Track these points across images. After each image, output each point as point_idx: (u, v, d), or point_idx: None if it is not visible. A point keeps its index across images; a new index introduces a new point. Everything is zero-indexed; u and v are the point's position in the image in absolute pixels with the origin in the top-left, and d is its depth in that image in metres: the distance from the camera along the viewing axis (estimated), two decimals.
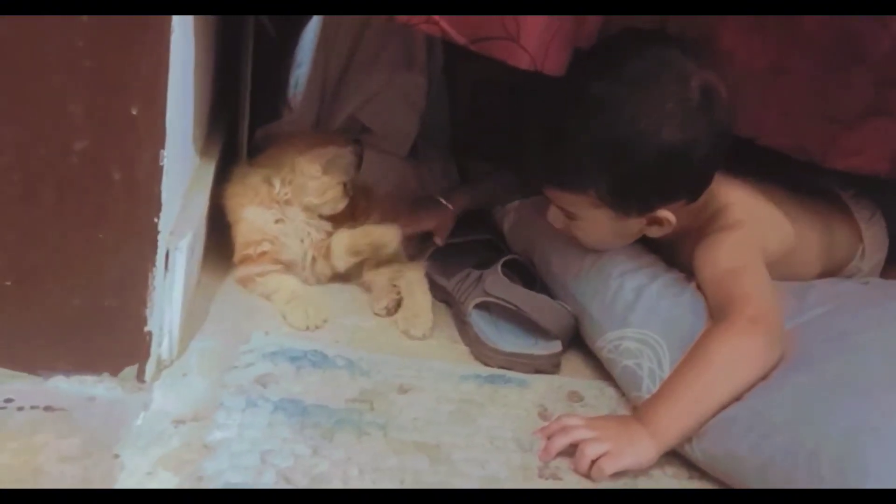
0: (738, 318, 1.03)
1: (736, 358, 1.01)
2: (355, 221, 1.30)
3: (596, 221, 1.15)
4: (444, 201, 1.37)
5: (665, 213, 1.12)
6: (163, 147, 0.87)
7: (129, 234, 0.87)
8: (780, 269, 1.15)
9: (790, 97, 1.15)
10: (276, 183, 1.23)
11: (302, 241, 1.26)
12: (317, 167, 1.22)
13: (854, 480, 0.84)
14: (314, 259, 1.27)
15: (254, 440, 0.90)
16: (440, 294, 1.32)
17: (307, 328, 1.15)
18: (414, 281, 1.27)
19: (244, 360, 1.03)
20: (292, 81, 1.44)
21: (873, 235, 1.28)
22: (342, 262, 1.26)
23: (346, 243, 1.25)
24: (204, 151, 1.25)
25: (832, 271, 1.26)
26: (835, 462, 0.86)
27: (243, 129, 1.34)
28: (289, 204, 1.24)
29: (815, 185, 1.32)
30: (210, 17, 1.20)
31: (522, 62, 1.00)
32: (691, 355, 1.03)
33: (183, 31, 0.91)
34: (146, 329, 0.93)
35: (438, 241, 1.36)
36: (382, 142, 1.48)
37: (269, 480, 0.85)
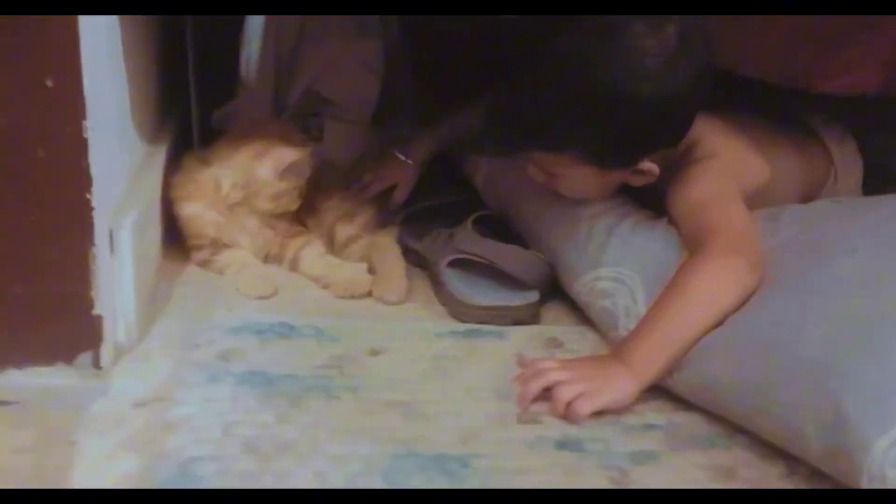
0: (713, 247, 1.01)
1: (714, 286, 0.98)
2: (313, 210, 1.29)
3: (578, 177, 1.13)
4: (401, 156, 1.34)
5: (648, 165, 1.10)
6: (84, 118, 0.84)
7: (62, 214, 0.85)
8: (758, 203, 1.12)
9: (770, 21, 1.11)
10: (226, 184, 1.19)
11: (254, 238, 1.23)
12: (272, 174, 1.19)
13: (837, 387, 0.82)
14: (272, 256, 1.25)
15: (217, 413, 0.88)
16: (414, 259, 1.29)
17: (260, 296, 1.13)
18: (385, 247, 1.25)
19: (206, 338, 1.01)
20: (243, 59, 1.41)
21: (845, 158, 1.26)
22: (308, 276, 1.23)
23: (316, 273, 1.21)
24: (154, 136, 1.23)
25: (808, 198, 1.23)
26: (814, 375, 0.84)
27: (193, 112, 1.31)
28: (237, 205, 1.21)
29: (783, 111, 1.28)
30: None
31: None
32: (668, 288, 1.00)
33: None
34: (95, 313, 0.91)
35: (398, 197, 1.34)
36: (343, 112, 1.45)
37: (232, 451, 0.83)
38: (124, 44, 1.04)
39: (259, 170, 1.18)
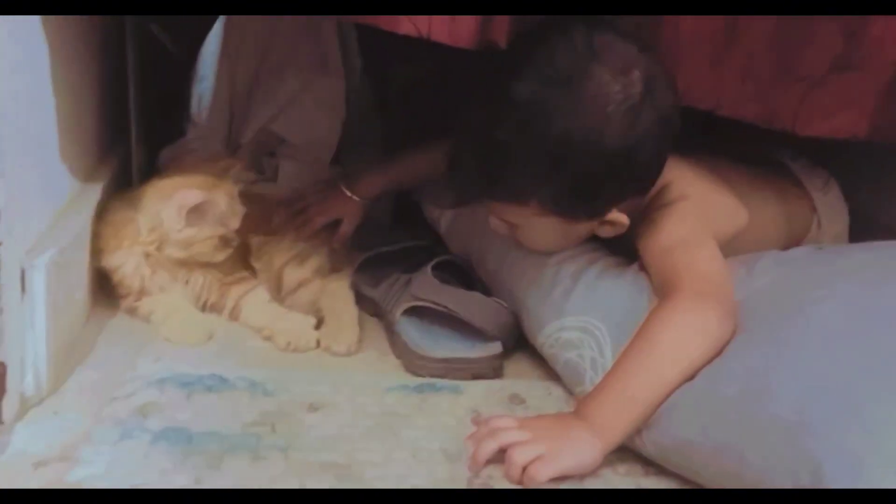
0: (684, 293, 0.93)
1: (684, 336, 0.90)
2: (261, 253, 1.21)
3: (542, 229, 1.06)
4: (347, 191, 1.27)
5: (616, 216, 1.03)
6: None
7: None
8: (735, 252, 1.04)
9: (749, 58, 1.05)
10: (143, 229, 1.08)
11: (187, 283, 1.13)
12: (177, 219, 1.06)
13: (814, 448, 0.73)
14: (211, 305, 1.16)
15: (124, 475, 0.79)
16: (370, 307, 1.21)
17: (190, 344, 1.04)
18: (337, 293, 1.17)
19: (125, 390, 0.93)
20: (195, 96, 1.35)
21: (828, 204, 1.19)
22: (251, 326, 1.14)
23: (258, 322, 1.12)
24: (89, 175, 1.15)
25: (790, 247, 1.15)
26: (789, 435, 0.76)
27: (133, 150, 1.24)
28: (160, 251, 1.10)
29: (762, 157, 1.22)
30: (84, 24, 1.12)
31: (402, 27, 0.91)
32: (634, 340, 0.93)
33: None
34: None
35: (344, 231, 1.27)
36: (301, 153, 1.39)
37: None
38: (58, 77, 0.98)
39: (163, 212, 1.06)
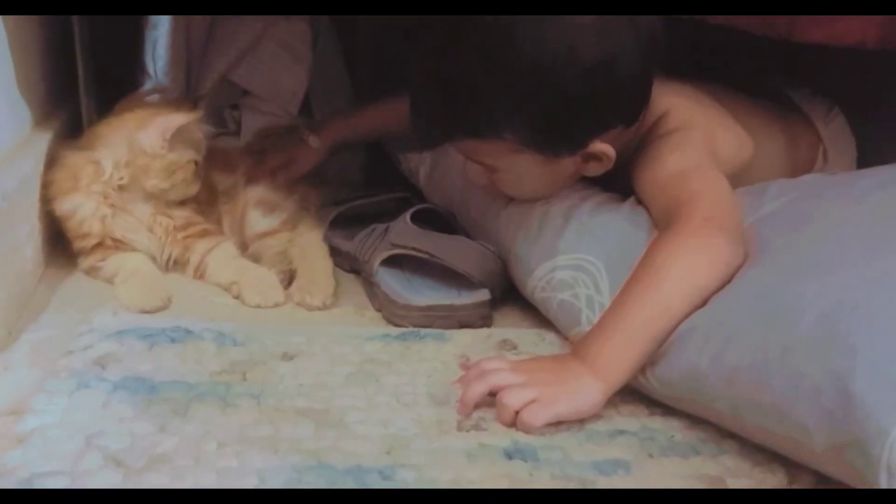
0: (689, 220, 0.90)
1: (691, 263, 0.86)
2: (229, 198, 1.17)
3: (522, 169, 1.01)
4: (307, 134, 1.23)
5: (601, 147, 0.98)
6: None
7: None
8: (741, 184, 1.01)
9: None
10: (107, 165, 1.05)
11: (152, 231, 1.10)
12: (161, 143, 1.05)
13: (842, 366, 0.69)
14: (174, 260, 1.12)
15: (80, 424, 0.75)
16: (347, 262, 1.17)
17: (143, 310, 0.99)
18: (309, 245, 1.13)
19: (82, 342, 0.88)
20: (149, 44, 1.31)
21: (833, 135, 1.16)
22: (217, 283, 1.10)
23: (224, 279, 1.08)
24: (39, 122, 1.11)
25: None
26: (814, 353, 0.72)
27: (83, 100, 1.19)
28: (124, 190, 1.07)
29: (761, 88, 1.19)
30: None
31: None
32: (636, 271, 0.89)
33: None
34: None
35: (293, 172, 1.23)
36: (265, 104, 1.34)
37: (91, 465, 0.69)
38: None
39: (143, 139, 1.05)
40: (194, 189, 1.10)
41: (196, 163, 1.09)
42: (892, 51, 0.99)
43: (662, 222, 0.94)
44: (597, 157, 1.00)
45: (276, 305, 1.05)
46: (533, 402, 0.81)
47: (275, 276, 1.08)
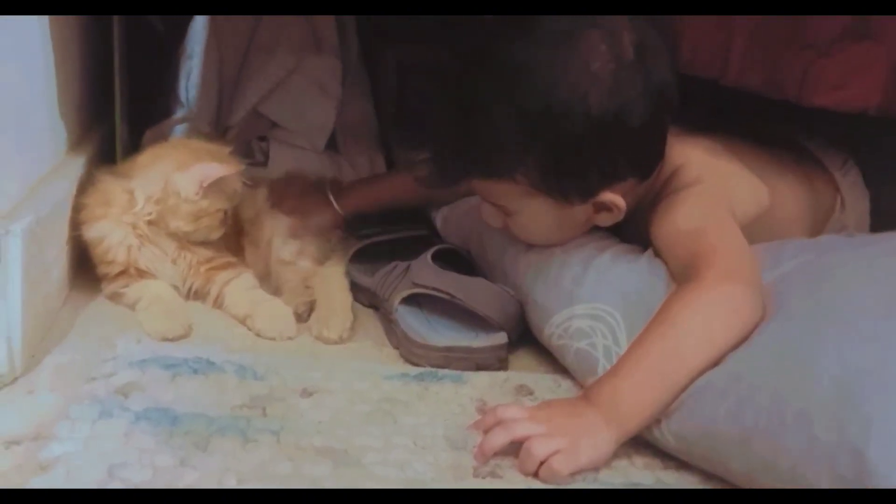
0: (708, 274, 0.89)
1: (709, 317, 0.86)
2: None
3: (535, 213, 1.01)
4: (331, 199, 1.23)
5: (611, 197, 0.99)
6: None
7: None
8: (761, 235, 1.01)
9: (756, 25, 1.02)
10: (140, 198, 1.05)
11: (175, 263, 1.10)
12: (196, 190, 1.05)
13: (856, 435, 0.69)
14: (196, 291, 1.12)
15: (102, 453, 0.75)
16: (366, 297, 1.17)
17: (164, 338, 0.99)
18: (330, 277, 1.13)
19: (105, 369, 0.88)
20: (182, 74, 1.32)
21: (850, 184, 1.16)
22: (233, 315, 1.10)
23: (240, 310, 1.08)
24: (73, 147, 1.12)
25: (815, 230, 1.12)
26: (829, 418, 0.71)
27: (118, 127, 1.20)
28: (152, 224, 1.08)
29: (778, 137, 1.19)
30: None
31: None
32: (653, 321, 0.89)
33: None
34: None
35: (311, 226, 1.22)
36: (294, 137, 1.35)
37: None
38: (38, 37, 0.96)
39: (180, 182, 1.05)
40: (217, 235, 1.10)
41: (225, 212, 1.09)
42: None
43: (680, 276, 0.94)
44: (607, 208, 1.00)
45: (289, 339, 1.05)
46: (558, 451, 0.80)
47: (289, 309, 1.08)
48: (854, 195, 1.15)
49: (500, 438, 0.82)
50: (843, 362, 0.74)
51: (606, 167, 0.97)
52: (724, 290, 0.87)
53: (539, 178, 0.96)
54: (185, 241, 1.09)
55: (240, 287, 1.10)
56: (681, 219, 0.98)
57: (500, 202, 1.03)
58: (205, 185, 1.05)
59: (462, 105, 0.96)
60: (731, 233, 0.96)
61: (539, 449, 0.80)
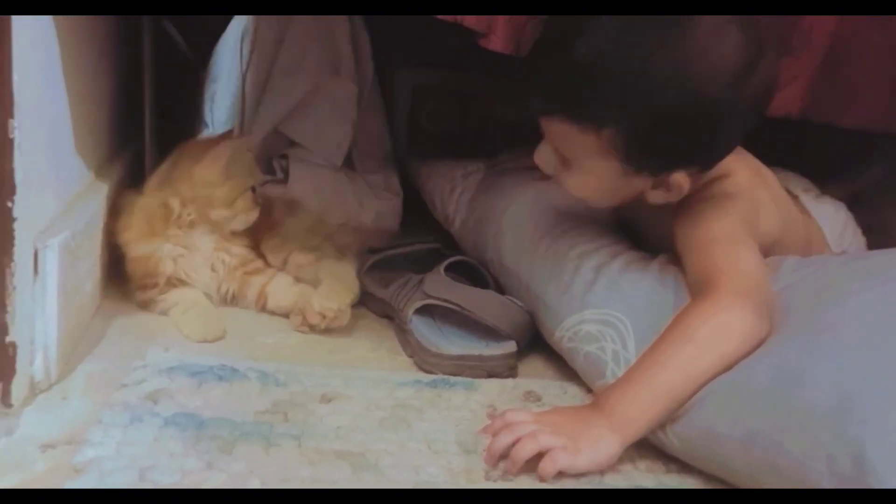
0: (722, 288, 0.89)
1: (721, 332, 0.86)
2: (273, 233, 1.20)
3: (598, 173, 0.97)
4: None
5: (680, 177, 0.96)
6: (11, 116, 0.76)
7: None
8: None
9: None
10: (175, 204, 1.08)
11: (214, 269, 1.13)
12: (218, 171, 1.08)
13: (855, 434, 0.70)
14: (232, 295, 1.15)
15: (133, 457, 0.76)
16: (380, 308, 1.19)
17: (204, 339, 1.02)
18: (337, 263, 1.17)
19: (135, 377, 0.90)
20: (207, 97, 1.34)
21: (822, 212, 1.16)
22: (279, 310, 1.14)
23: (288, 303, 1.12)
24: (102, 168, 1.14)
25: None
26: (828, 420, 0.73)
27: (147, 149, 1.22)
28: (193, 227, 1.11)
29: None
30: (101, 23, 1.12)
31: None
32: (667, 331, 0.89)
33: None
34: (8, 339, 0.80)
35: None
36: (312, 155, 1.37)
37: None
38: (69, 58, 0.96)
39: (202, 171, 1.08)
40: (254, 215, 1.13)
41: (253, 189, 1.12)
42: None
43: (696, 284, 0.93)
44: (668, 186, 0.98)
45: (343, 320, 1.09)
46: (555, 448, 0.81)
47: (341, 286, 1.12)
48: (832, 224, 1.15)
49: (506, 440, 0.82)
50: (838, 369, 0.76)
51: (689, 149, 0.95)
52: (738, 310, 0.86)
53: (623, 141, 0.92)
54: (221, 239, 1.12)
55: (281, 284, 1.15)
56: (712, 228, 0.96)
57: (568, 151, 0.98)
58: (220, 165, 1.08)
59: (578, 43, 0.91)
60: (751, 253, 0.95)
61: (543, 438, 0.81)
